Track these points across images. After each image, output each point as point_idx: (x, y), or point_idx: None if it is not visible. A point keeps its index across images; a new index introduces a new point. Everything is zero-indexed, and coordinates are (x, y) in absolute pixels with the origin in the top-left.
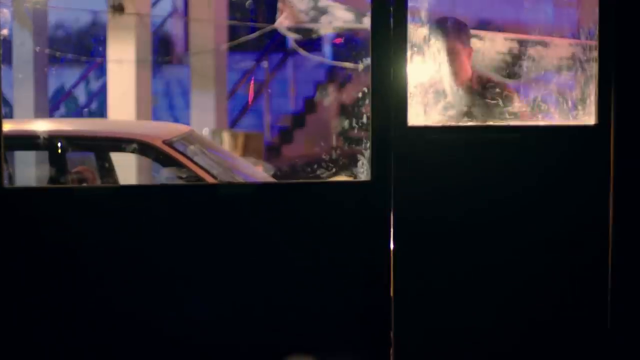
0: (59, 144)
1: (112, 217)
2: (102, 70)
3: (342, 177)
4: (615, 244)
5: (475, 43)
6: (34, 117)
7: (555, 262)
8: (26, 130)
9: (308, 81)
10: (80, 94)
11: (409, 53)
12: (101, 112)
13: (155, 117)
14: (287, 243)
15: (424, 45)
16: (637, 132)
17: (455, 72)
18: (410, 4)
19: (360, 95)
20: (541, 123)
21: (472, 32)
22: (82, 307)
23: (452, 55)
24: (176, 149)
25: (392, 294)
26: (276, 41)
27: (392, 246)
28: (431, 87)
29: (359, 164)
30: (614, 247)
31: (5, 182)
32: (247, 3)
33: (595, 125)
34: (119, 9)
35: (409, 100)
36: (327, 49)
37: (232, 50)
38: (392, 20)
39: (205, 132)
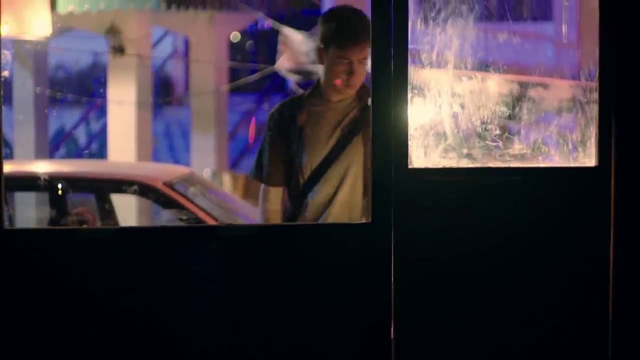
0: (59, 186)
1: (113, 258)
2: (102, 111)
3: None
4: (616, 286)
5: (476, 84)
6: (35, 158)
7: (556, 303)
8: (27, 171)
9: None
10: (81, 135)
11: (409, 95)
12: (101, 153)
13: (156, 158)
14: (288, 284)
15: (424, 88)
16: (637, 174)
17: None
18: (410, 46)
19: None
20: (542, 165)
21: (473, 73)
22: (83, 349)
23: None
24: (177, 191)
25: (392, 335)
26: (276, 82)
27: (393, 287)
28: (432, 130)
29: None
30: (615, 289)
31: (6, 224)
32: (247, 44)
33: (595, 167)
34: (119, 50)
35: (410, 143)
36: None
37: (233, 91)
38: (392, 62)
39: (206, 173)
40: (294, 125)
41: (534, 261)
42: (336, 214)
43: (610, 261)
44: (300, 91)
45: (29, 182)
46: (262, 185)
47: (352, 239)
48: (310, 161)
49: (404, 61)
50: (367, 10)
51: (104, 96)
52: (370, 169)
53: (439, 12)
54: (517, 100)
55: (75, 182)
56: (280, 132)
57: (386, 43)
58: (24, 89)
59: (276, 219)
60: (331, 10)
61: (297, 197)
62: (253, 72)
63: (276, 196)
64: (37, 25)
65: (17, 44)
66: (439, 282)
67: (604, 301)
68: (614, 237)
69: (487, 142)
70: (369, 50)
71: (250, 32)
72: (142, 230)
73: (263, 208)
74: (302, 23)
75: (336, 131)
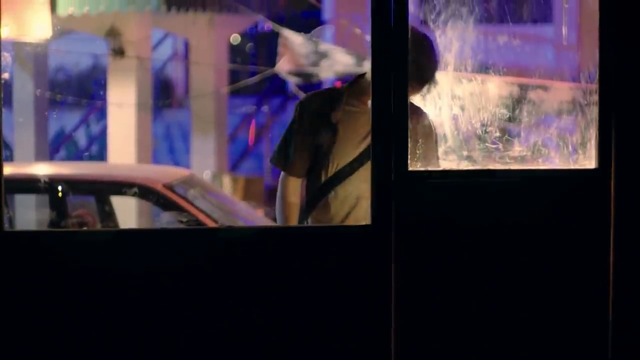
0: (59, 188)
1: (113, 261)
2: (102, 114)
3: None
4: (616, 287)
5: (476, 87)
6: (35, 160)
7: (556, 304)
8: (27, 173)
9: None
10: (81, 137)
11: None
12: (101, 155)
13: (156, 160)
14: (287, 287)
15: (424, 90)
16: (638, 177)
17: None
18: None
19: None
20: (542, 167)
21: (473, 75)
22: (83, 350)
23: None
24: (177, 193)
25: (393, 339)
26: (276, 85)
27: (393, 290)
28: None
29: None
30: (615, 291)
31: (6, 226)
32: (247, 47)
33: (595, 169)
34: (119, 52)
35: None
36: None
37: (233, 93)
38: (392, 64)
39: (206, 175)
40: (327, 120)
41: (534, 263)
42: (360, 216)
43: (610, 263)
44: (302, 93)
45: (29, 184)
46: (282, 174)
47: (353, 241)
48: (338, 160)
49: (404, 63)
50: (368, 12)
51: (104, 98)
52: (370, 171)
53: (439, 14)
54: (517, 102)
55: (75, 185)
56: (311, 123)
57: (386, 45)
58: (24, 91)
59: (295, 212)
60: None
61: (315, 193)
62: (253, 74)
63: (296, 187)
64: (37, 28)
65: (17, 46)
66: (439, 284)
67: (604, 303)
68: (614, 239)
69: (487, 144)
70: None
71: (250, 35)
72: (142, 233)
73: (284, 200)
74: (302, 25)
75: (368, 136)
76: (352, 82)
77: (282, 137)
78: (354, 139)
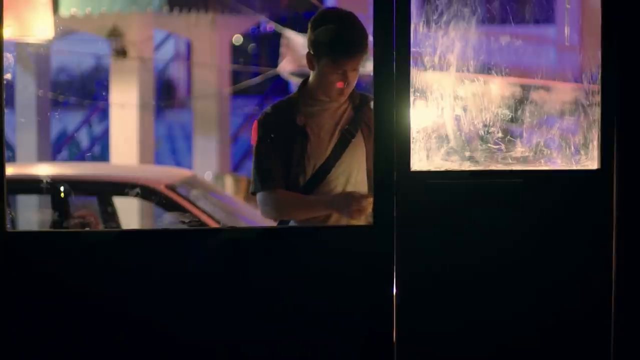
0: (62, 188)
1: (115, 261)
2: (104, 114)
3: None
4: (618, 288)
5: (478, 87)
6: (37, 160)
7: (558, 305)
8: (29, 174)
9: None
10: (83, 138)
11: (411, 98)
12: (104, 155)
13: (158, 161)
14: (289, 288)
15: (426, 91)
16: (639, 177)
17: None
18: (413, 49)
19: None
20: (544, 168)
21: (475, 76)
22: (85, 351)
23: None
24: (179, 194)
25: (394, 340)
26: (279, 85)
27: (394, 291)
28: (434, 132)
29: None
30: (617, 292)
31: (8, 226)
32: (249, 47)
33: (597, 169)
34: (121, 53)
35: (412, 146)
36: None
37: (235, 94)
38: (394, 65)
39: (208, 176)
40: (293, 126)
41: (536, 264)
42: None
43: (612, 264)
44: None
45: (31, 185)
46: (265, 195)
47: (355, 242)
48: (315, 161)
49: (407, 64)
50: (370, 14)
51: (106, 99)
52: (372, 171)
53: (441, 14)
54: (519, 103)
55: (77, 185)
56: (278, 135)
57: (388, 46)
58: (27, 92)
59: (301, 205)
60: (322, 15)
61: None
62: (255, 74)
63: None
64: (40, 28)
65: (20, 47)
66: (441, 285)
67: (606, 303)
68: (616, 239)
69: (489, 145)
70: (364, 57)
71: (253, 35)
72: (144, 233)
73: (285, 209)
74: (304, 26)
75: (336, 131)
76: (302, 85)
77: (254, 165)
78: (324, 136)
